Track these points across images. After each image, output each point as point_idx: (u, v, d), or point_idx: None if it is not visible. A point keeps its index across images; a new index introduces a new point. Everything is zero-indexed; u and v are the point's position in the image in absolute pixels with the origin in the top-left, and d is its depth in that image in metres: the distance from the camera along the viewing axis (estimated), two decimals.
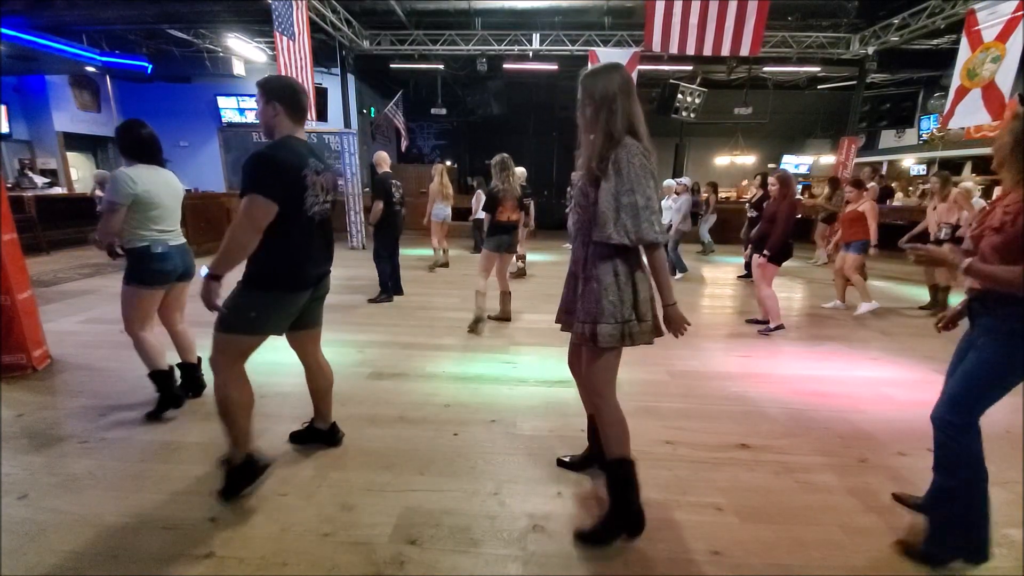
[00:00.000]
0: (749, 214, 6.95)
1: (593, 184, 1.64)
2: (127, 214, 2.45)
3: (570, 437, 2.55)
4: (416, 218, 8.44)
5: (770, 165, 16.24)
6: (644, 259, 1.72)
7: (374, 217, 5.05)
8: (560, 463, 2.30)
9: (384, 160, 5.15)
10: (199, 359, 2.92)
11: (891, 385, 3.32)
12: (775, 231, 4.19)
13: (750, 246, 4.79)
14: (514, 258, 6.95)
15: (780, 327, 4.40)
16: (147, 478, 2.15)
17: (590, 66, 1.66)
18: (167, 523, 1.87)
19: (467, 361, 3.61)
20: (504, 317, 4.64)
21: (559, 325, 1.98)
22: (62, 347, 3.62)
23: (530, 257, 7.26)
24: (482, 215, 8.51)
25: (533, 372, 3.43)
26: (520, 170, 6.90)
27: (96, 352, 3.61)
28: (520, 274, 6.91)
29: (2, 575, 1.62)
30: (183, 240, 2.73)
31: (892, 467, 2.34)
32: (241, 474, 2.02)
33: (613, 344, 1.68)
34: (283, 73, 6.85)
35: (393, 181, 5.08)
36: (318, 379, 2.32)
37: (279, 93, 1.89)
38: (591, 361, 1.78)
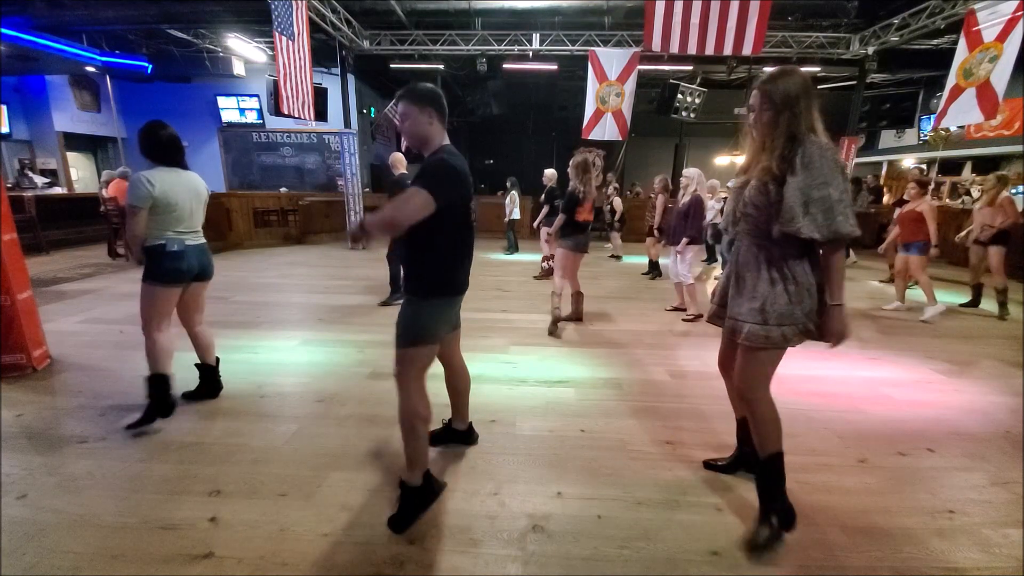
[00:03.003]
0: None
1: (776, 182, 1.63)
2: (148, 216, 2.45)
3: (570, 437, 2.56)
4: None
5: None
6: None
7: None
8: (708, 465, 2.28)
9: (400, 161, 5.10)
10: (217, 359, 2.93)
11: (890, 385, 3.31)
12: None
13: None
14: (542, 260, 6.96)
15: None
16: (147, 478, 2.15)
17: (767, 70, 1.65)
18: (167, 523, 1.87)
19: (467, 361, 3.60)
20: (577, 317, 4.60)
21: (715, 323, 2.01)
22: (62, 347, 3.62)
23: (527, 257, 7.23)
24: (517, 216, 8.59)
25: (533, 372, 3.43)
26: (551, 172, 6.92)
27: (96, 352, 3.60)
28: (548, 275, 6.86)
29: (2, 575, 1.62)
30: (202, 241, 2.72)
31: (891, 467, 2.34)
32: (419, 497, 1.95)
33: (784, 345, 1.71)
34: (282, 74, 6.84)
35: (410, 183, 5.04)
36: (461, 379, 2.36)
37: (433, 100, 1.85)
38: (751, 360, 1.78)
